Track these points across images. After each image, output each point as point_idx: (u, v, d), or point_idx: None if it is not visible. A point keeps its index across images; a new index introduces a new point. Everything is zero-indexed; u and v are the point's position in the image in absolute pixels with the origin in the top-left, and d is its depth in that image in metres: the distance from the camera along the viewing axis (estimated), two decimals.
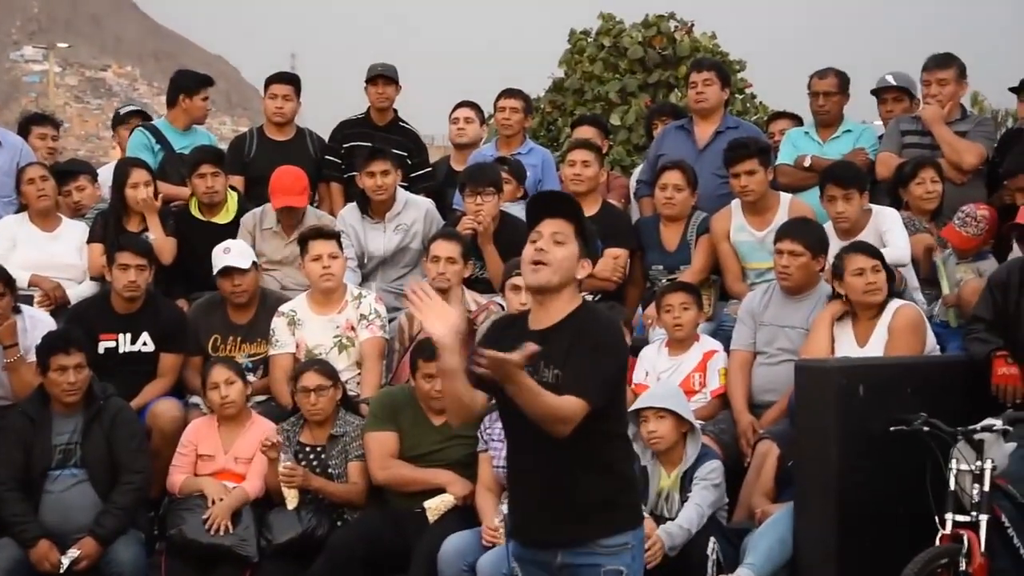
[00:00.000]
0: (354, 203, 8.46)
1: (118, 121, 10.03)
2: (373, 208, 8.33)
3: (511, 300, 7.08)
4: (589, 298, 5.75)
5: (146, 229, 8.13)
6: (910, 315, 6.75)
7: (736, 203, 7.90)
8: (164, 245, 8.12)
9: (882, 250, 7.00)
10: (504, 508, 6.33)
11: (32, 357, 7.02)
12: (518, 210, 8.18)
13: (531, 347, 4.18)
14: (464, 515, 6.61)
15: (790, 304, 7.12)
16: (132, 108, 10.15)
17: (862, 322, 6.81)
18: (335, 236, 7.68)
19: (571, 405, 4.31)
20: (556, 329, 4.48)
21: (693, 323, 7.28)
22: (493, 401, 4.59)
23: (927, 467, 5.83)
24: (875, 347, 6.74)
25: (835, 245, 7.22)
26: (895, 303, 6.79)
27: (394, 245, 8.33)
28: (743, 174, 7.72)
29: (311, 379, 6.93)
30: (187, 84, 9.22)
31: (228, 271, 7.64)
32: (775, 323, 7.12)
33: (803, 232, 7.10)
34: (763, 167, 7.75)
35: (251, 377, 7.46)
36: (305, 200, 8.38)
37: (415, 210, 8.41)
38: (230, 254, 7.68)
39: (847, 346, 6.79)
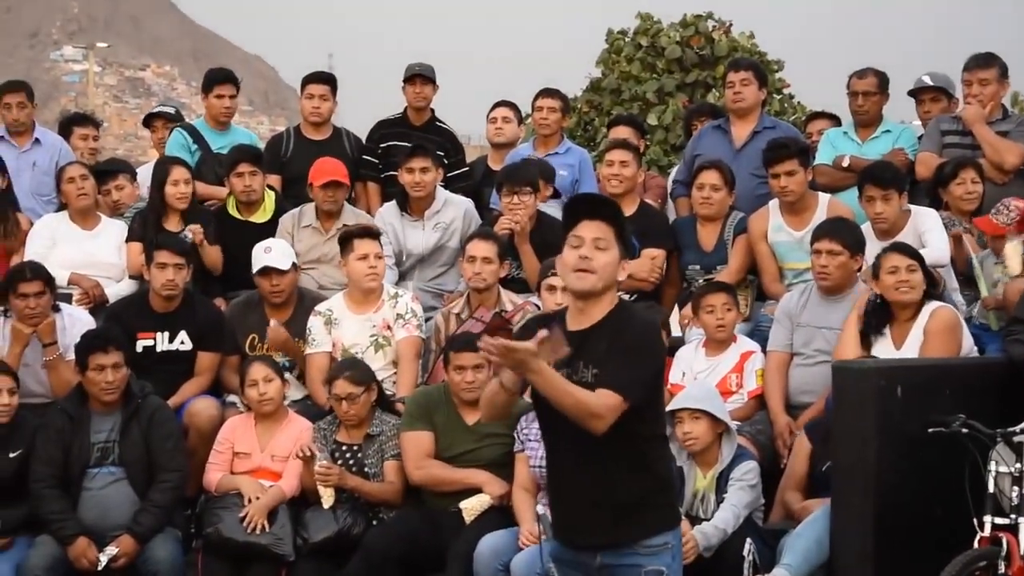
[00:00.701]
0: (393, 201, 8.48)
1: (146, 122, 10.09)
2: (412, 206, 8.35)
3: (546, 300, 7.08)
4: (626, 298, 5.74)
5: (184, 229, 8.16)
6: (946, 316, 6.72)
7: (774, 203, 7.88)
8: (215, 262, 8.20)
9: (921, 251, 6.98)
10: (540, 508, 6.34)
11: (71, 355, 7.08)
12: (552, 210, 8.21)
13: (543, 334, 4.20)
14: (500, 515, 6.60)
15: (827, 305, 7.10)
16: (159, 109, 10.15)
17: (899, 324, 6.79)
18: (379, 236, 7.71)
19: (604, 399, 4.33)
20: (595, 329, 4.51)
21: (733, 323, 7.29)
22: (529, 399, 4.62)
23: (965, 469, 5.80)
24: (911, 349, 6.72)
25: (874, 246, 7.19)
26: (932, 305, 6.76)
27: (432, 243, 8.35)
28: (783, 174, 7.70)
29: (341, 387, 6.93)
30: (204, 82, 9.30)
31: (267, 271, 7.67)
32: (812, 324, 7.10)
33: (841, 231, 7.08)
34: (803, 167, 7.74)
35: (288, 376, 7.48)
36: (347, 183, 8.42)
37: (454, 208, 8.43)
38: (271, 254, 7.71)
39: (884, 348, 6.77)
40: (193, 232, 8.01)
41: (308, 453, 6.79)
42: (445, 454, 6.81)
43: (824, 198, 7.87)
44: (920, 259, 6.80)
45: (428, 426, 6.82)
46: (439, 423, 6.82)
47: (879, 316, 6.83)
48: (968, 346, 6.80)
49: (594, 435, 4.34)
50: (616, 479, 4.47)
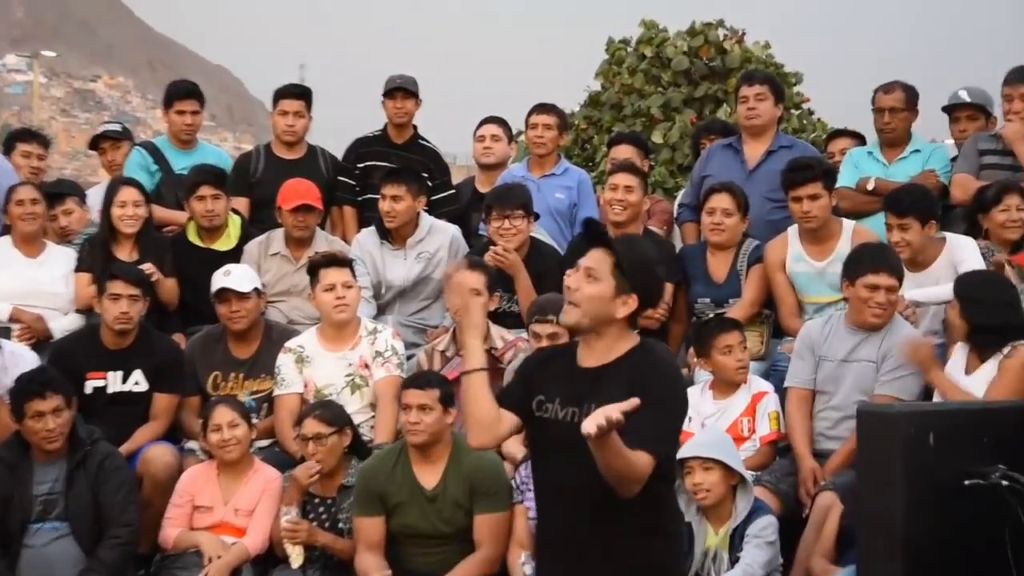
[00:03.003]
0: (372, 227, 8.49)
1: (92, 144, 10.02)
2: (393, 233, 8.36)
3: (534, 345, 7.07)
4: None
5: (141, 257, 8.14)
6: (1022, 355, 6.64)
7: (793, 229, 7.88)
8: (170, 295, 8.20)
9: None
10: (527, 570, 6.32)
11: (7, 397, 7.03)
12: (542, 236, 8.24)
13: (634, 402, 4.16)
14: None
15: (857, 337, 7.05)
16: (104, 129, 10.06)
17: (974, 350, 6.77)
18: (349, 264, 7.70)
19: (643, 462, 4.34)
20: (609, 368, 4.53)
21: (748, 363, 7.28)
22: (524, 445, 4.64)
23: (1006, 526, 5.78)
24: (980, 380, 6.68)
25: (905, 277, 7.17)
26: (1017, 342, 6.66)
27: (415, 275, 8.35)
28: (805, 198, 7.70)
29: (309, 426, 6.92)
30: (165, 96, 9.32)
31: (226, 295, 7.67)
32: (840, 358, 7.05)
33: (896, 263, 7.03)
34: (827, 191, 7.74)
35: (254, 418, 7.47)
36: (320, 207, 8.44)
37: (439, 237, 8.44)
38: (230, 276, 7.73)
39: (953, 368, 6.78)
40: (146, 270, 7.98)
41: (311, 472, 6.81)
42: (401, 532, 6.68)
43: (848, 225, 7.87)
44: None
45: (374, 511, 6.68)
46: (393, 496, 6.67)
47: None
48: None
49: (599, 484, 4.33)
50: (624, 539, 4.47)
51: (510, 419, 4.76)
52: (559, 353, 4.76)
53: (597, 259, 4.57)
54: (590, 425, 4.07)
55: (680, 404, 4.59)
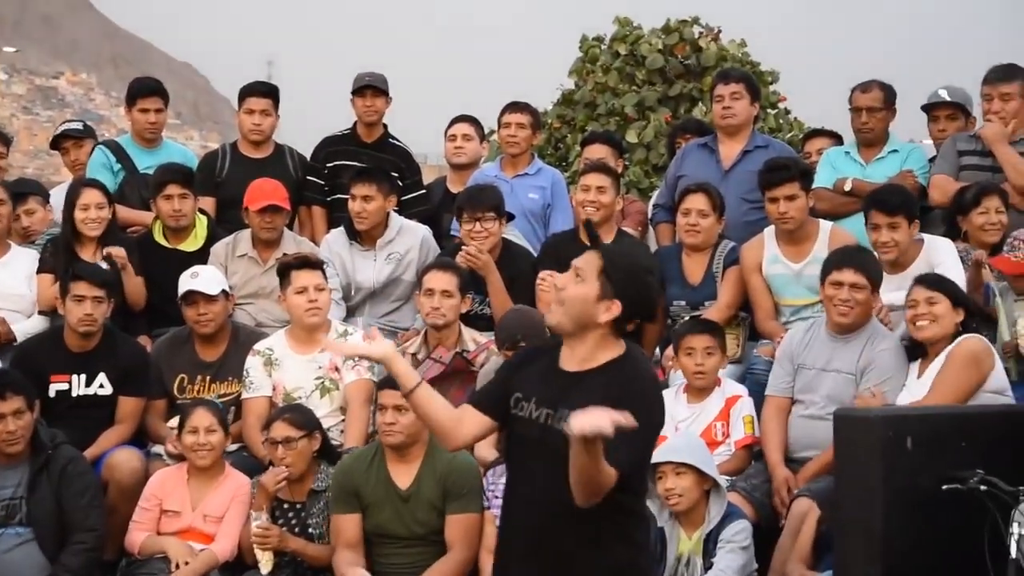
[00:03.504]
0: (341, 228, 8.49)
1: (54, 144, 9.93)
2: (362, 234, 8.36)
3: None
4: None
5: (106, 259, 8.11)
6: (969, 345, 6.69)
7: (770, 231, 7.91)
8: (136, 292, 8.15)
9: None
10: None
11: None
12: (514, 236, 8.24)
13: (629, 420, 4.14)
14: None
15: (836, 345, 7.07)
16: (65, 128, 9.96)
17: (930, 356, 6.80)
18: (321, 266, 7.70)
19: (610, 476, 4.34)
20: (588, 375, 4.55)
21: (716, 369, 7.28)
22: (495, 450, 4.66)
23: (985, 531, 5.80)
24: (928, 377, 6.74)
25: (884, 279, 7.21)
26: (963, 336, 6.73)
27: (385, 276, 8.36)
28: (782, 199, 7.73)
29: (278, 430, 6.92)
30: (128, 94, 9.30)
31: (194, 298, 7.66)
32: (819, 367, 7.08)
33: (864, 262, 7.05)
34: (804, 191, 7.77)
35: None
36: (288, 207, 8.43)
37: (410, 237, 8.44)
38: (197, 279, 7.71)
39: (911, 384, 6.81)
40: (115, 255, 7.96)
41: (279, 478, 6.79)
42: (374, 533, 6.72)
43: (825, 226, 7.90)
44: (950, 291, 6.78)
45: (351, 507, 6.72)
46: (366, 495, 6.71)
47: (913, 353, 6.88)
48: (999, 384, 6.74)
49: (568, 491, 4.34)
50: (589, 544, 4.48)
51: (478, 420, 4.76)
52: (542, 352, 4.77)
53: (587, 260, 4.59)
54: (580, 425, 4.06)
55: (655, 427, 4.59)
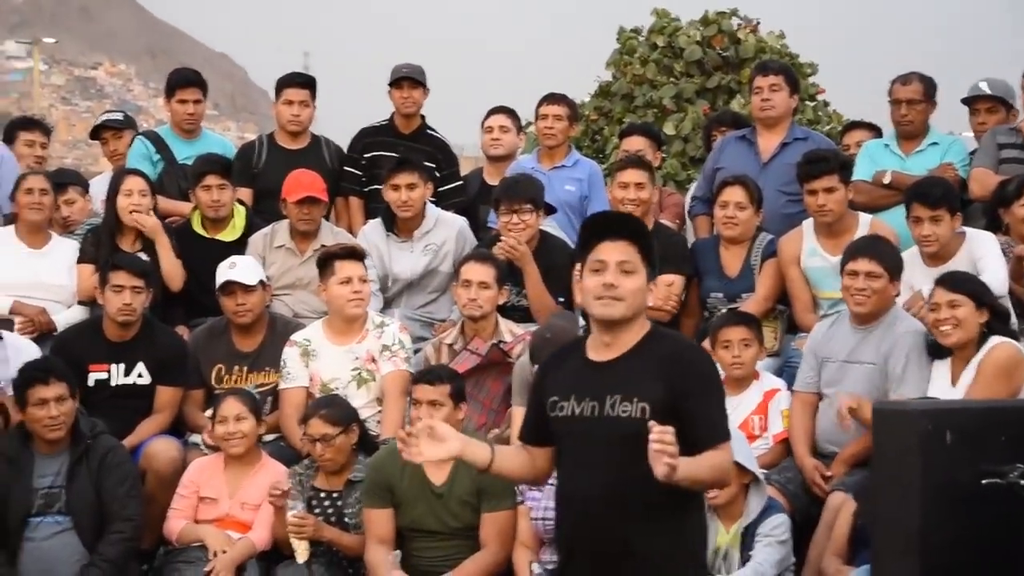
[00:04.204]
0: (378, 219, 8.50)
1: (93, 134, 9.97)
2: (399, 225, 8.37)
3: None
4: None
5: (144, 249, 8.16)
6: (1002, 354, 6.65)
7: (808, 223, 7.89)
8: (172, 270, 8.18)
9: None
10: (536, 568, 6.33)
11: (11, 390, 7.03)
12: (553, 229, 8.22)
13: (666, 430, 4.29)
14: None
15: (859, 336, 7.06)
16: (105, 118, 10.00)
17: (958, 359, 6.77)
18: (363, 257, 7.72)
19: (724, 457, 4.54)
20: (627, 359, 4.60)
21: (753, 361, 7.28)
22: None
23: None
24: (962, 389, 6.70)
25: (924, 272, 7.19)
26: (993, 340, 6.69)
27: (422, 267, 8.37)
28: (821, 191, 7.71)
29: (315, 427, 6.91)
30: (167, 85, 9.33)
31: (232, 288, 7.69)
32: (842, 358, 7.07)
33: (879, 251, 7.04)
34: (843, 184, 7.75)
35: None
36: (325, 199, 8.44)
37: (447, 229, 8.45)
38: (235, 269, 7.74)
39: (940, 385, 6.76)
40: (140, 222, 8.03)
41: (280, 491, 6.76)
42: (408, 528, 6.70)
43: (865, 219, 7.87)
44: (973, 293, 6.75)
45: (384, 502, 6.70)
46: (401, 492, 6.69)
47: (936, 351, 6.84)
48: None
49: (630, 478, 4.43)
50: (656, 531, 4.52)
51: (542, 453, 4.86)
52: (564, 353, 4.82)
53: (626, 251, 4.62)
54: (660, 471, 4.24)
55: (719, 379, 4.78)
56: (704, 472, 4.46)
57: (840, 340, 7.11)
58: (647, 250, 4.64)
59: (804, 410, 7.14)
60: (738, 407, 7.20)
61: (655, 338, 4.66)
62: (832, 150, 8.44)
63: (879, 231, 7.70)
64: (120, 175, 8.44)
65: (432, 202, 8.58)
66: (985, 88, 8.79)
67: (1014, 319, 7.35)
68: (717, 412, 4.60)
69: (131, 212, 8.19)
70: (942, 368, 6.81)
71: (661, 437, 4.23)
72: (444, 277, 8.35)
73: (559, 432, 4.70)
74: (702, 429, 4.51)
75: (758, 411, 7.23)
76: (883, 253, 7.02)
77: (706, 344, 7.57)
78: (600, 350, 4.67)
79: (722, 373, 7.28)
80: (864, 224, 7.82)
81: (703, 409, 4.54)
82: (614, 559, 4.58)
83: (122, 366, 7.58)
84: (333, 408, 7.02)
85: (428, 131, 9.41)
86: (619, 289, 4.59)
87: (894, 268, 7.02)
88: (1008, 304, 7.40)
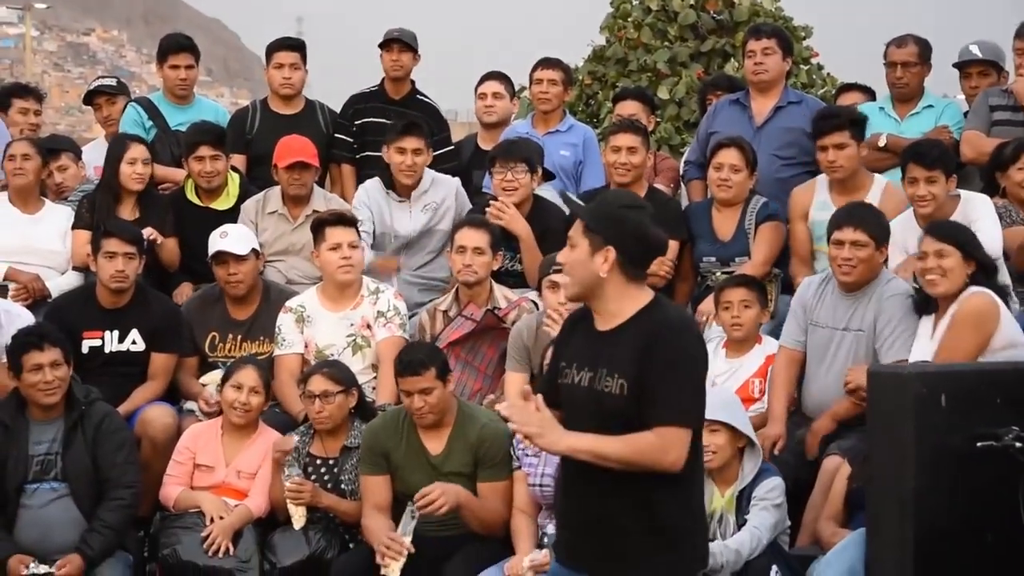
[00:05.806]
0: (376, 178, 8.45)
1: (87, 99, 9.93)
2: (399, 185, 8.34)
3: (548, 299, 7.05)
4: None
5: (141, 219, 8.14)
6: (975, 302, 6.56)
7: (823, 178, 7.89)
8: (168, 252, 8.21)
9: None
10: (551, 528, 6.32)
11: (4, 357, 7.03)
12: (548, 193, 8.20)
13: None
14: (496, 545, 6.57)
15: (848, 303, 7.02)
16: (98, 84, 9.94)
17: (941, 313, 6.72)
18: (354, 223, 7.69)
19: (654, 441, 4.47)
20: (620, 330, 4.62)
21: (754, 323, 7.28)
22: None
23: (1019, 488, 5.79)
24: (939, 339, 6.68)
25: (918, 235, 7.17)
26: (970, 289, 6.61)
27: (421, 225, 8.33)
28: (831, 147, 7.72)
29: (317, 383, 6.91)
30: (159, 51, 9.29)
31: (224, 258, 7.67)
32: (831, 325, 7.04)
33: (864, 219, 6.99)
34: (855, 140, 7.75)
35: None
36: (316, 164, 8.41)
37: (443, 188, 8.44)
38: (227, 238, 7.72)
39: (923, 340, 6.75)
40: (148, 236, 7.97)
41: (284, 449, 6.77)
42: (405, 493, 6.63)
43: (880, 180, 7.86)
44: (961, 243, 6.67)
45: (381, 468, 6.67)
46: (397, 459, 6.66)
47: (923, 305, 6.82)
48: (1007, 338, 6.59)
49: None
50: (644, 506, 4.56)
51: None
52: (581, 318, 4.84)
53: (573, 228, 4.71)
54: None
55: (693, 360, 4.62)
56: (613, 450, 4.47)
57: (829, 306, 7.07)
58: (587, 221, 4.68)
59: (788, 366, 7.11)
60: (739, 370, 7.23)
61: (652, 310, 4.64)
62: (845, 107, 8.42)
63: (894, 195, 7.69)
64: (122, 141, 8.40)
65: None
66: (976, 52, 8.75)
67: (1008, 280, 7.35)
68: (673, 394, 4.51)
69: (132, 177, 8.18)
70: (927, 324, 6.79)
71: (509, 412, 4.46)
72: (442, 236, 8.28)
73: (563, 398, 4.74)
74: (647, 407, 4.50)
75: (758, 374, 7.24)
76: (868, 221, 6.97)
77: (707, 305, 7.58)
78: (599, 320, 4.71)
79: (723, 336, 7.32)
80: (879, 186, 7.82)
81: (654, 389, 4.50)
82: (591, 530, 4.65)
83: (116, 333, 7.57)
84: (335, 368, 7.04)
85: (418, 96, 9.37)
86: (564, 266, 4.75)
87: (880, 235, 6.98)
88: (1005, 273, 7.38)
